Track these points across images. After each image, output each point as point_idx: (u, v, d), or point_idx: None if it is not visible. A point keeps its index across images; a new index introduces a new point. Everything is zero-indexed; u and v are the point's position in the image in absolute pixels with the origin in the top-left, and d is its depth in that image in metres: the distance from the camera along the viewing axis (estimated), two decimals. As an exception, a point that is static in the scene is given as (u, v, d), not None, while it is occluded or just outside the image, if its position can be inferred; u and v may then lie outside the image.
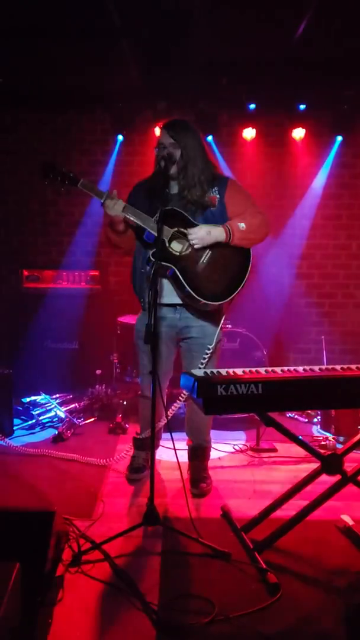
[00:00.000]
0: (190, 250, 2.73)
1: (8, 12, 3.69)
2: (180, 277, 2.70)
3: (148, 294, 2.45)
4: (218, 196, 2.80)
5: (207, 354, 2.84)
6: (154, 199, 2.75)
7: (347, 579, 2.20)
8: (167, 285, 2.81)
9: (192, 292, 2.71)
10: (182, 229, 2.73)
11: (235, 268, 2.80)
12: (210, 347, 2.84)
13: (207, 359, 2.84)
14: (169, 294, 2.82)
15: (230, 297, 2.79)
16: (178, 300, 2.83)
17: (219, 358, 3.03)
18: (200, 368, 2.78)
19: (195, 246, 2.69)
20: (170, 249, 2.72)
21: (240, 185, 2.96)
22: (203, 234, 2.68)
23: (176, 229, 2.73)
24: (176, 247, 2.74)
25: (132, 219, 2.68)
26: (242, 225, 2.72)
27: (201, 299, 2.73)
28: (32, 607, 1.89)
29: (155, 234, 2.62)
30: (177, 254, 2.73)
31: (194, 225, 2.73)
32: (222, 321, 2.92)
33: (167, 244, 2.71)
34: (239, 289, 2.81)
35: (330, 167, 5.20)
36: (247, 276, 2.81)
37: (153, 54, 4.34)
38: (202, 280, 2.73)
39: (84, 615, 1.96)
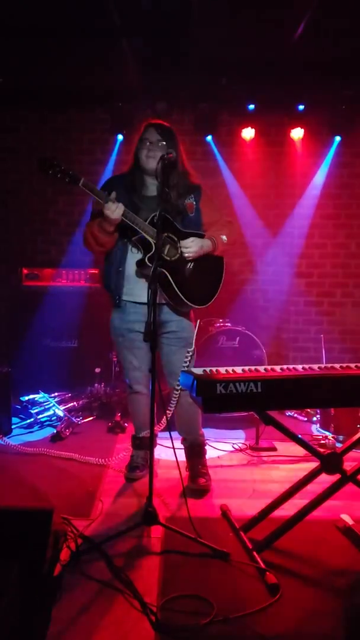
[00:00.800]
0: (178, 255, 2.80)
1: (8, 12, 3.69)
2: (172, 281, 2.77)
3: (148, 292, 2.45)
4: (194, 203, 2.90)
5: (188, 353, 2.90)
6: (133, 197, 2.80)
7: (347, 579, 2.19)
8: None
9: (181, 296, 2.79)
10: (171, 235, 2.80)
11: (214, 273, 2.96)
12: (190, 350, 2.91)
13: (189, 359, 2.89)
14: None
15: (212, 301, 2.94)
16: (159, 300, 2.84)
17: (215, 357, 3.05)
18: (184, 367, 2.83)
19: (189, 257, 2.82)
20: (162, 254, 2.76)
21: (212, 192, 3.07)
22: (197, 248, 2.82)
23: (166, 234, 2.79)
24: (166, 251, 2.79)
25: (129, 223, 2.69)
26: (224, 238, 2.90)
27: (189, 303, 2.82)
28: (29, 607, 1.88)
29: (149, 239, 2.69)
30: (168, 258, 2.79)
31: (180, 231, 2.82)
32: (197, 324, 3.02)
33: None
34: (218, 292, 2.96)
35: (329, 167, 5.22)
36: (223, 280, 2.97)
37: (153, 53, 4.34)
38: (190, 285, 2.83)
39: (83, 615, 1.95)
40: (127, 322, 2.92)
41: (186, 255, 2.80)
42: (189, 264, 2.86)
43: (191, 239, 2.81)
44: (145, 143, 2.81)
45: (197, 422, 3.09)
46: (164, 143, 2.79)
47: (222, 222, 2.97)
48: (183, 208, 2.85)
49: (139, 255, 2.78)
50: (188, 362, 2.89)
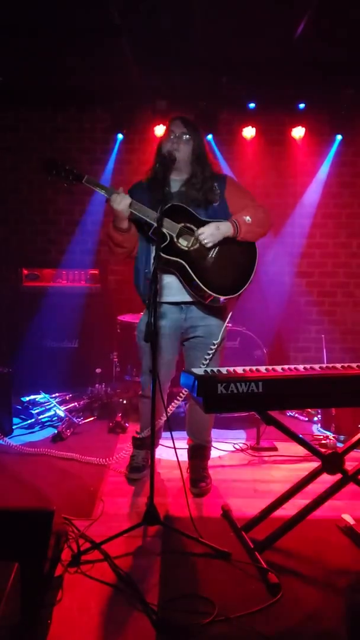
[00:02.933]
0: (198, 245, 2.73)
1: (8, 11, 3.68)
2: (191, 271, 2.70)
3: (149, 289, 2.43)
4: (219, 192, 2.83)
5: (211, 349, 2.83)
6: (158, 197, 2.74)
7: (348, 578, 2.19)
8: (175, 283, 2.80)
9: (202, 286, 2.70)
10: (188, 224, 2.73)
11: (243, 262, 2.82)
12: (215, 342, 2.83)
13: (211, 356, 2.83)
14: (177, 292, 2.81)
15: (240, 292, 2.80)
16: (186, 298, 2.82)
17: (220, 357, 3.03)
18: (203, 364, 2.78)
19: (207, 244, 2.70)
20: (179, 244, 2.71)
21: (239, 182, 2.99)
22: (212, 230, 2.68)
23: (183, 224, 2.72)
24: (184, 242, 2.73)
25: (137, 214, 2.66)
26: (248, 218, 2.75)
27: (212, 293, 2.73)
28: (31, 607, 1.88)
29: (162, 230, 2.62)
30: (186, 249, 2.72)
31: (199, 221, 2.74)
32: (227, 318, 2.92)
33: (175, 240, 2.70)
34: (248, 283, 2.81)
35: (330, 166, 5.21)
36: (254, 270, 2.82)
37: (153, 52, 4.33)
38: (212, 275, 2.73)
39: (84, 615, 1.95)
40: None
41: (204, 242, 2.68)
42: (212, 251, 2.74)
43: (207, 224, 2.71)
44: (170, 135, 2.79)
45: (208, 427, 3.08)
46: (188, 136, 2.77)
47: (250, 207, 2.84)
48: (211, 196, 2.79)
49: None
50: (209, 360, 2.81)
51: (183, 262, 2.69)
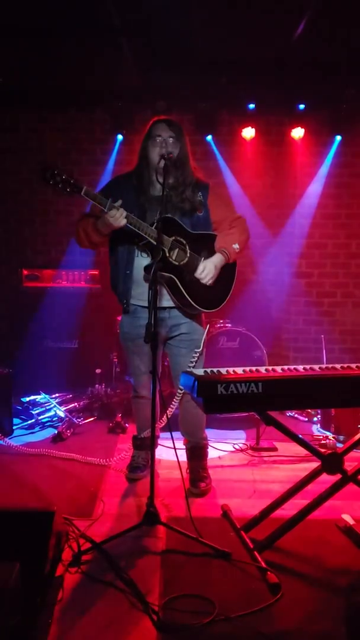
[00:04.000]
0: (187, 259, 2.76)
1: (8, 11, 3.68)
2: (181, 287, 2.73)
3: (148, 294, 2.43)
4: (202, 201, 2.86)
5: (195, 353, 2.87)
6: (141, 199, 2.76)
7: (347, 578, 2.20)
8: (162, 290, 2.80)
9: (191, 301, 2.76)
10: (179, 238, 2.74)
11: (225, 277, 2.90)
12: (197, 350, 2.88)
13: (196, 359, 2.87)
14: (161, 298, 2.82)
15: (223, 304, 2.91)
16: (169, 304, 2.84)
17: (216, 358, 3.05)
18: (189, 367, 2.80)
19: (209, 283, 2.80)
20: (170, 259, 2.72)
21: (221, 189, 2.99)
22: (213, 271, 2.79)
23: (174, 237, 2.73)
24: (174, 256, 2.74)
25: (133, 229, 2.62)
26: (236, 246, 2.86)
27: (199, 307, 2.79)
28: (32, 607, 1.88)
29: (155, 244, 2.58)
30: (176, 263, 2.74)
31: (188, 234, 2.77)
32: (207, 328, 3.01)
33: (167, 254, 2.70)
34: (229, 296, 2.93)
35: (330, 167, 5.21)
36: (234, 283, 2.95)
37: (153, 53, 4.34)
38: (199, 289, 2.79)
39: (84, 615, 1.96)
40: (137, 326, 2.85)
41: (207, 283, 2.78)
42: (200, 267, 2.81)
43: (201, 266, 2.77)
44: (156, 140, 2.74)
45: (201, 426, 3.08)
46: (175, 139, 2.75)
47: (230, 220, 2.90)
48: (196, 205, 2.81)
49: (147, 258, 2.74)
50: (194, 363, 2.85)
51: (174, 277, 2.72)
